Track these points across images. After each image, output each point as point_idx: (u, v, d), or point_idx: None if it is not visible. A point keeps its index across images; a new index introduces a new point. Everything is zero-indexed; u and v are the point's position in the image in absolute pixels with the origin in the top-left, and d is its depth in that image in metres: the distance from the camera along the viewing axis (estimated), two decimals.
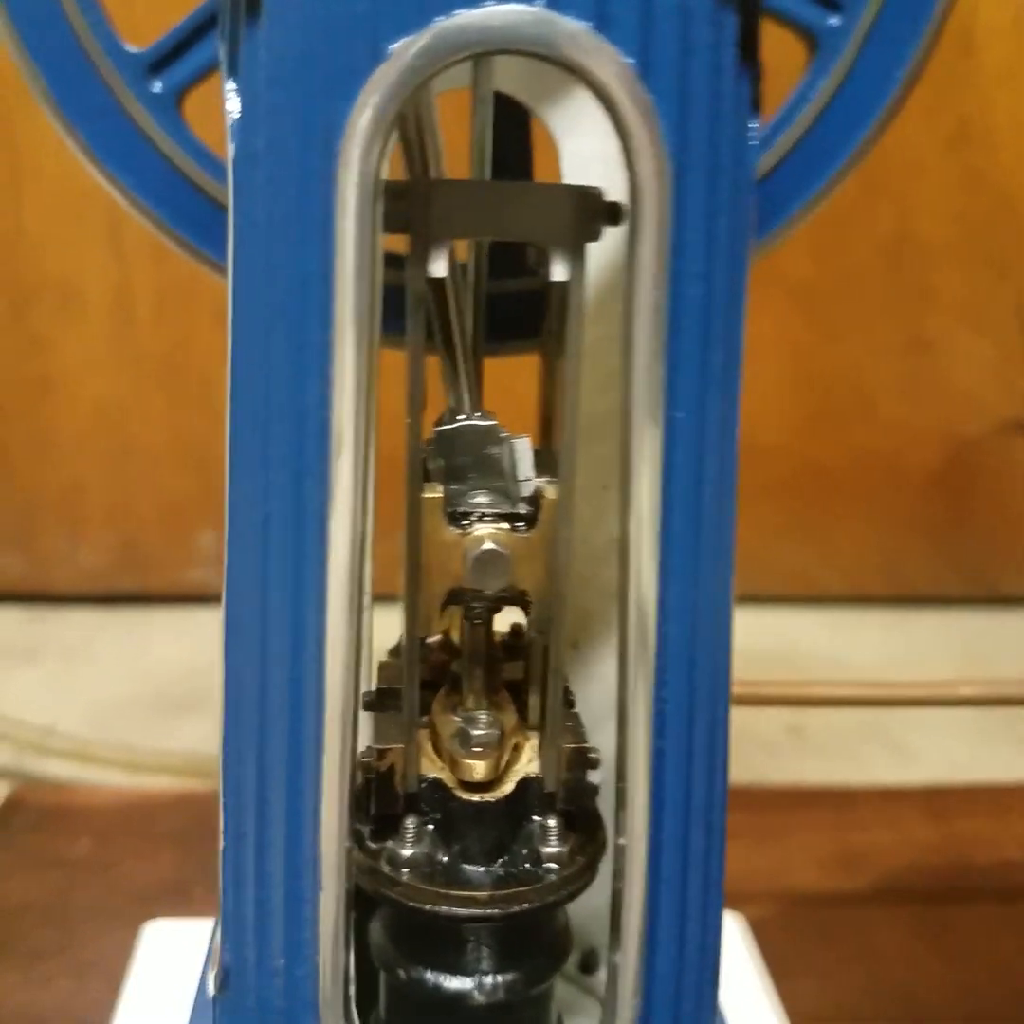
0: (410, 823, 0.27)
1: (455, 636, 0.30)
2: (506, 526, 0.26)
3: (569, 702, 0.29)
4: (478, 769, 0.27)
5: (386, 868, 0.27)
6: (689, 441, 0.25)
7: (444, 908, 0.27)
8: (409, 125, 0.25)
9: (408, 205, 0.24)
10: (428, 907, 0.27)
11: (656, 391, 0.24)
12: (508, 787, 0.28)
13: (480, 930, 0.28)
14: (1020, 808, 0.66)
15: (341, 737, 0.25)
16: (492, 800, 0.28)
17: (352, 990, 0.27)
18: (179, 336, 0.88)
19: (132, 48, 0.32)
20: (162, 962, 0.43)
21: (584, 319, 0.25)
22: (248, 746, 0.26)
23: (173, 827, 0.59)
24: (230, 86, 0.24)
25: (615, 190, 0.24)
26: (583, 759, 0.28)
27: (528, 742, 0.29)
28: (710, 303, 0.25)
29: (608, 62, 0.22)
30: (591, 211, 0.25)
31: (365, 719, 0.29)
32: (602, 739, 0.28)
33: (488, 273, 0.31)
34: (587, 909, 0.29)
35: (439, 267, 0.24)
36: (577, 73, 0.22)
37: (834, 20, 0.33)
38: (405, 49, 0.22)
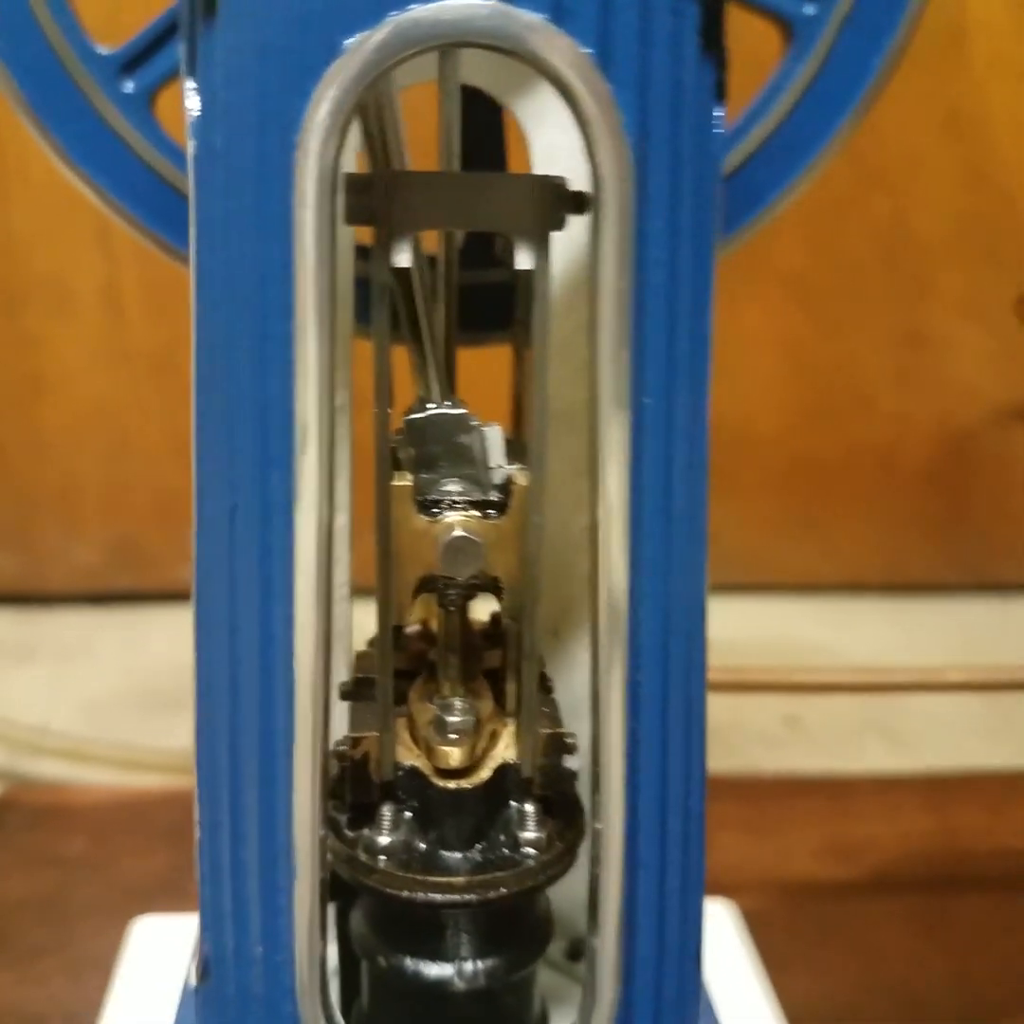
0: (387, 811, 0.28)
1: (434, 625, 0.31)
2: (477, 513, 0.27)
3: (546, 688, 0.29)
4: (454, 756, 0.28)
5: (363, 856, 0.27)
6: (658, 427, 0.25)
7: (421, 894, 0.27)
8: (370, 118, 0.25)
9: (371, 198, 0.24)
10: (405, 894, 0.27)
11: (622, 377, 0.24)
12: (485, 774, 0.28)
13: (459, 916, 0.28)
14: (1018, 797, 0.65)
15: (311, 726, 0.25)
16: (469, 787, 0.28)
17: (330, 977, 0.27)
18: (171, 333, 0.88)
19: (103, 49, 0.33)
20: (150, 957, 0.44)
21: (549, 307, 0.25)
22: (220, 737, 0.26)
23: (168, 824, 0.59)
24: (190, 85, 0.24)
25: (584, 180, 0.24)
26: (560, 744, 0.28)
27: (506, 729, 0.29)
28: (675, 290, 0.25)
29: (565, 53, 0.22)
30: (555, 200, 0.25)
31: (343, 709, 0.29)
32: (585, 726, 0.28)
33: (469, 265, 0.31)
34: (573, 897, 0.29)
35: (403, 258, 0.24)
36: (534, 65, 0.23)
37: (810, 8, 0.33)
38: (361, 43, 0.22)
